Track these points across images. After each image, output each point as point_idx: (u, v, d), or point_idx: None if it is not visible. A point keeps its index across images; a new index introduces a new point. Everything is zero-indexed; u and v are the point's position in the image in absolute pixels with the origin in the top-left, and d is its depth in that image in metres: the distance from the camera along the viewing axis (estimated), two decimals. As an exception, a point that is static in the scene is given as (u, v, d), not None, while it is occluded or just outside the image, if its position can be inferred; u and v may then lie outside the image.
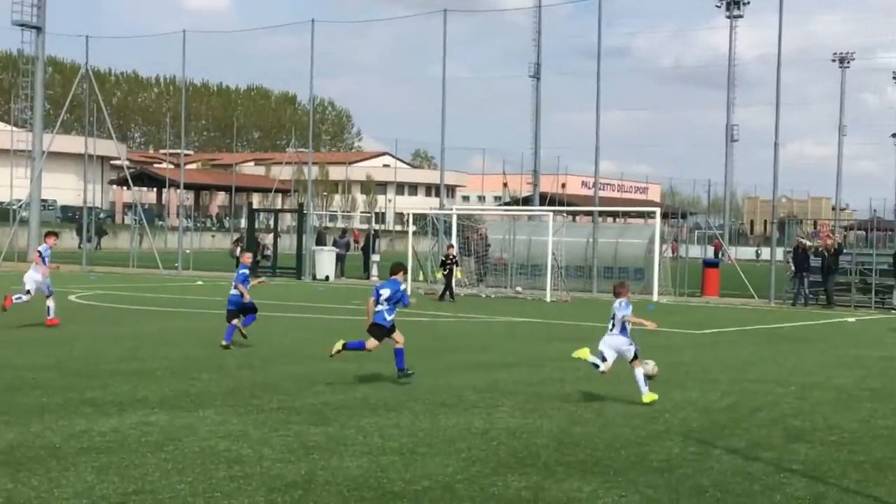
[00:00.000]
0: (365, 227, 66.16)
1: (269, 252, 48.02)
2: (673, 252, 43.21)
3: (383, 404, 12.94)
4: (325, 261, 45.56)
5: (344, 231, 54.13)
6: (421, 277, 40.29)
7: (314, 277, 44.61)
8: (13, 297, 21.86)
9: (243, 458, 9.78)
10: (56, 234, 24.69)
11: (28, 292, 22.07)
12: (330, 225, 62.07)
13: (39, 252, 22.48)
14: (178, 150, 65.40)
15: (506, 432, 11.36)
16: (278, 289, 37.09)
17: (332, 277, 45.01)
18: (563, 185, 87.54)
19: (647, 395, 13.56)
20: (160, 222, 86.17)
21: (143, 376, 14.82)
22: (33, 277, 22.14)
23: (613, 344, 13.89)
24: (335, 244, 47.53)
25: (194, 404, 12.64)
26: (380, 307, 15.12)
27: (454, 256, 34.93)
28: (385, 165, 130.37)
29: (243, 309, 19.16)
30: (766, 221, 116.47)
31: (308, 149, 51.86)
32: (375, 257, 46.47)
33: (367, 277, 45.13)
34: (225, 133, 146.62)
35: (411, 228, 43.82)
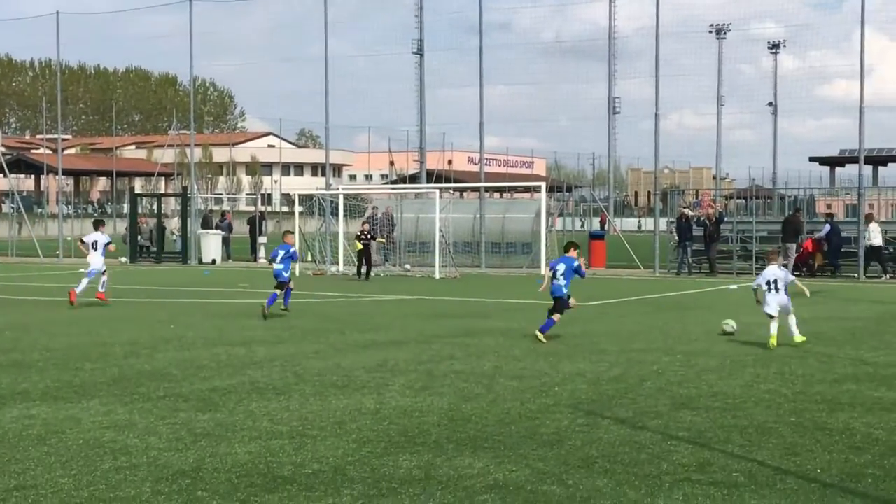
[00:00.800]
0: (252, 209, 65.48)
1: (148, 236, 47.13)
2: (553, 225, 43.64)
3: (272, 388, 12.81)
4: (211, 244, 45.00)
5: (223, 213, 53.48)
6: (309, 258, 40.03)
7: (200, 261, 44.03)
8: (76, 289, 24.44)
9: (129, 449, 9.60)
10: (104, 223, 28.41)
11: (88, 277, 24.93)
12: (215, 208, 61.23)
13: (83, 241, 25.84)
14: (56, 135, 63.78)
15: (397, 411, 11.34)
16: (164, 274, 36.53)
17: (218, 261, 44.47)
18: (450, 162, 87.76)
19: (798, 337, 16.69)
20: (39, 210, 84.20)
21: (24, 368, 14.44)
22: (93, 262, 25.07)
23: (781, 301, 16.87)
24: (217, 227, 46.96)
25: (78, 395, 12.36)
26: (557, 281, 17.79)
27: (369, 231, 34.83)
28: (270, 146, 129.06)
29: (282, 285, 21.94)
30: (649, 193, 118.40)
31: (190, 131, 51.09)
32: (262, 239, 46.04)
33: (255, 260, 44.69)
34: (104, 116, 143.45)
35: (298, 209, 43.49)
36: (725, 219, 38.75)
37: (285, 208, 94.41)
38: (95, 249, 25.17)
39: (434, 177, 60.06)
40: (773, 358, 15.55)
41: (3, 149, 79.18)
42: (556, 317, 17.76)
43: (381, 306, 24.68)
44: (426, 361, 15.16)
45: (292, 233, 24.94)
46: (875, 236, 34.24)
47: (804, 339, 16.83)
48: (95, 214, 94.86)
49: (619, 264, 39.73)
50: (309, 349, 16.49)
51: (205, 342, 17.44)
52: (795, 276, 31.64)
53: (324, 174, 47.90)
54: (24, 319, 21.39)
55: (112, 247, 26.73)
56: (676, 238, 36.69)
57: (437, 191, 39.33)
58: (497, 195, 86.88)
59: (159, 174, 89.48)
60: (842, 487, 8.34)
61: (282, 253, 21.99)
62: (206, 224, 47.17)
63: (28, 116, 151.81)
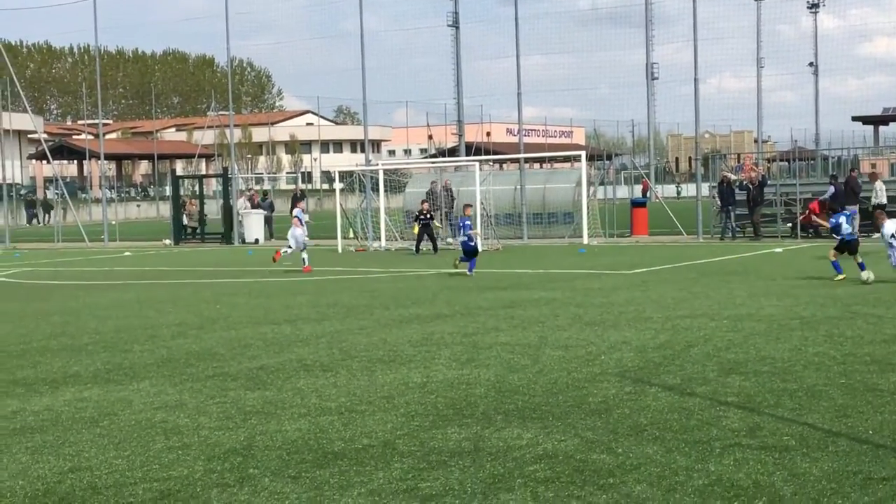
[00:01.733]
0: (292, 187, 65.68)
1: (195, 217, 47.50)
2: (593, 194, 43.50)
3: (319, 365, 12.88)
4: (253, 224, 45.23)
5: (266, 193, 53.70)
6: (351, 235, 40.14)
7: (243, 241, 44.28)
8: (281, 251, 28.78)
9: (181, 428, 9.69)
10: (302, 199, 36.40)
11: (290, 247, 28.77)
12: (256, 188, 61.52)
13: (297, 216, 29.91)
14: (97, 121, 64.25)
15: (443, 384, 11.37)
16: (208, 254, 36.77)
17: (261, 240, 44.69)
18: (488, 134, 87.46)
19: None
20: (83, 195, 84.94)
21: (75, 352, 14.61)
22: (294, 234, 28.79)
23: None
24: (259, 206, 47.17)
25: (128, 377, 12.49)
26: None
27: (428, 210, 34.90)
28: (308, 124, 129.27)
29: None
30: (690, 158, 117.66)
31: (229, 111, 51.28)
32: (305, 217, 46.12)
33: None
34: (143, 100, 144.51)
35: (338, 186, 43.61)
36: (768, 182, 38.44)
37: (325, 186, 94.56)
38: (302, 224, 29.16)
39: (473, 149, 59.89)
40: (820, 320, 15.43)
41: (45, 135, 79.81)
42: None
43: (424, 280, 24.72)
44: (471, 334, 15.17)
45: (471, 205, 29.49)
46: (881, 195, 34.02)
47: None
48: (138, 198, 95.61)
49: (661, 231, 39.55)
50: (354, 325, 16.55)
51: (250, 321, 17.55)
52: (803, 237, 33.25)
53: (363, 150, 47.96)
54: (72, 304, 21.62)
55: (306, 217, 31.72)
56: (719, 203, 36.44)
57: (477, 163, 39.30)
58: (537, 165, 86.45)
59: (200, 156, 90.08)
60: (894, 448, 8.28)
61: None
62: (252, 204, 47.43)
63: (69, 102, 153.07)
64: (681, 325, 15.41)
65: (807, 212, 34.47)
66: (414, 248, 34.41)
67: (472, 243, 25.23)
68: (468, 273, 24.61)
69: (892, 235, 19.75)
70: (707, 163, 46.07)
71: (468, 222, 25.84)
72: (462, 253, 25.30)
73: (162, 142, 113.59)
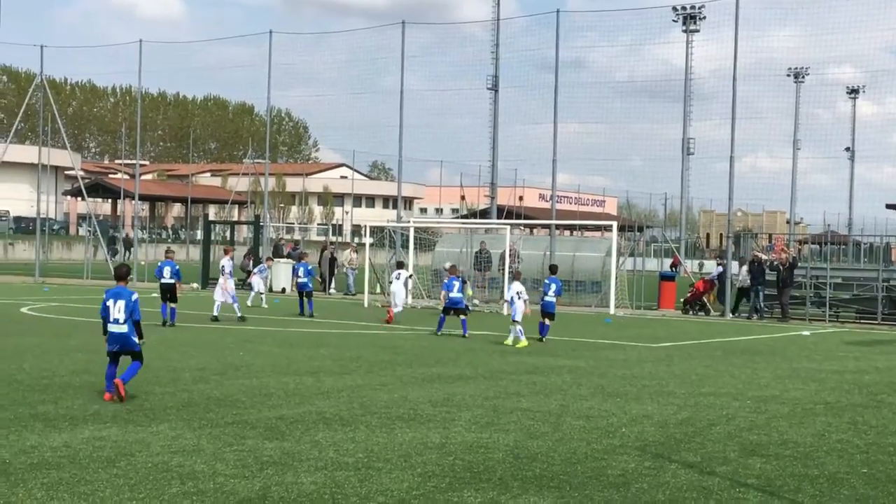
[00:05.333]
0: (322, 238, 65.89)
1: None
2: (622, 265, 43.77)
3: (339, 418, 12.85)
4: (281, 273, 45.33)
5: (296, 243, 53.90)
6: (378, 290, 40.16)
7: (270, 290, 44.37)
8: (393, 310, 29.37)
9: (197, 474, 9.67)
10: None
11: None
12: (287, 237, 61.82)
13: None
14: (134, 161, 64.87)
15: (462, 447, 11.31)
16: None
17: (288, 289, 44.77)
18: (521, 198, 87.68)
19: None
20: (115, 233, 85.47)
21: (96, 390, 14.63)
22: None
23: None
24: (289, 256, 47.31)
25: (148, 419, 12.50)
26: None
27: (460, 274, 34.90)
28: (342, 177, 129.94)
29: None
30: (721, 235, 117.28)
31: (265, 160, 51.66)
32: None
33: (325, 290, 44.91)
34: (181, 144, 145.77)
35: (369, 241, 43.72)
36: (799, 264, 38.25)
37: (356, 239, 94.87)
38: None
39: (504, 212, 60.08)
40: (845, 407, 15.29)
41: (82, 173, 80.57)
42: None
43: (448, 340, 24.67)
44: (492, 397, 15.11)
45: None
46: (745, 279, 36.24)
47: None
48: (169, 240, 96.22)
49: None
50: (375, 381, 16.53)
51: (273, 370, 17.55)
52: (691, 313, 35.51)
53: (395, 206, 48.16)
54: (96, 342, 21.60)
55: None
56: (748, 282, 36.29)
57: (508, 227, 39.33)
58: (567, 233, 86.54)
59: (233, 202, 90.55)
60: (915, 542, 8.16)
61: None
62: (276, 253, 47.57)
63: (107, 141, 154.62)
64: (704, 402, 15.30)
65: (692, 290, 37.80)
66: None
67: (459, 296, 25.97)
68: (464, 335, 25.17)
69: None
70: (738, 241, 45.92)
71: (455, 281, 26.27)
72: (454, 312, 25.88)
73: (196, 186, 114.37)
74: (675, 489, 9.65)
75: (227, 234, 50.07)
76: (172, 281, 26.49)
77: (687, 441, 12.12)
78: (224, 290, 28.29)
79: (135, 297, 14.12)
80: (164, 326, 25.50)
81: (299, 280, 32.15)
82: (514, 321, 23.72)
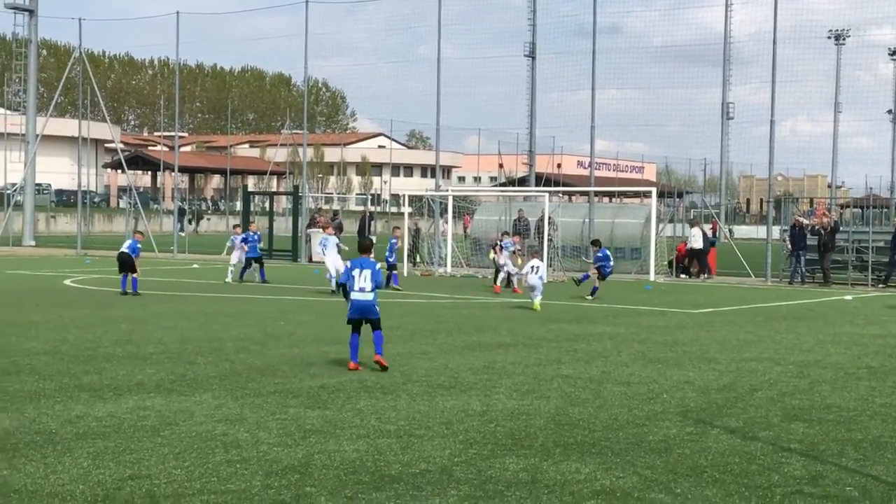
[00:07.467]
0: (361, 208, 66.04)
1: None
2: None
3: (380, 387, 12.91)
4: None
5: (335, 213, 53.98)
6: (417, 259, 40.23)
7: (310, 260, 44.53)
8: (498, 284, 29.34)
9: (240, 442, 9.75)
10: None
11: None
12: (325, 207, 61.96)
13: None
14: (173, 133, 65.18)
15: (503, 414, 11.34)
16: (274, 271, 36.98)
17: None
18: (559, 165, 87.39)
19: None
20: (155, 205, 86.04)
21: (140, 360, 14.78)
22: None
23: None
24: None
25: (191, 388, 12.61)
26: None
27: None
28: (380, 147, 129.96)
29: None
30: (761, 200, 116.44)
31: (303, 130, 51.75)
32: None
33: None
34: (219, 115, 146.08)
35: (407, 210, 43.75)
36: (840, 228, 37.93)
37: (394, 209, 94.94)
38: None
39: (543, 180, 59.90)
40: (889, 371, 15.18)
41: (122, 145, 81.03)
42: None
43: (488, 309, 24.70)
44: (533, 364, 15.13)
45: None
46: (696, 240, 37.04)
47: None
48: (209, 211, 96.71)
49: (729, 272, 39.16)
50: (416, 349, 16.58)
51: (314, 339, 17.65)
52: (682, 278, 35.96)
53: (433, 175, 48.13)
54: (138, 313, 21.88)
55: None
56: (790, 247, 36.03)
57: (547, 194, 39.21)
58: (606, 199, 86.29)
59: (271, 173, 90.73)
60: (961, 506, 8.11)
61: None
62: (313, 223, 47.61)
63: (146, 114, 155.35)
64: (745, 367, 15.24)
65: (676, 253, 38.38)
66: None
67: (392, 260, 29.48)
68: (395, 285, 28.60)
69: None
70: (779, 205, 45.56)
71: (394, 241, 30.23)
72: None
73: (235, 157, 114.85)
74: (717, 454, 9.63)
75: (266, 204, 50.17)
76: (129, 252, 26.71)
77: (729, 406, 12.08)
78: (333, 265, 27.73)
79: (378, 266, 14.77)
80: (123, 296, 25.86)
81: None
82: (529, 286, 24.59)
